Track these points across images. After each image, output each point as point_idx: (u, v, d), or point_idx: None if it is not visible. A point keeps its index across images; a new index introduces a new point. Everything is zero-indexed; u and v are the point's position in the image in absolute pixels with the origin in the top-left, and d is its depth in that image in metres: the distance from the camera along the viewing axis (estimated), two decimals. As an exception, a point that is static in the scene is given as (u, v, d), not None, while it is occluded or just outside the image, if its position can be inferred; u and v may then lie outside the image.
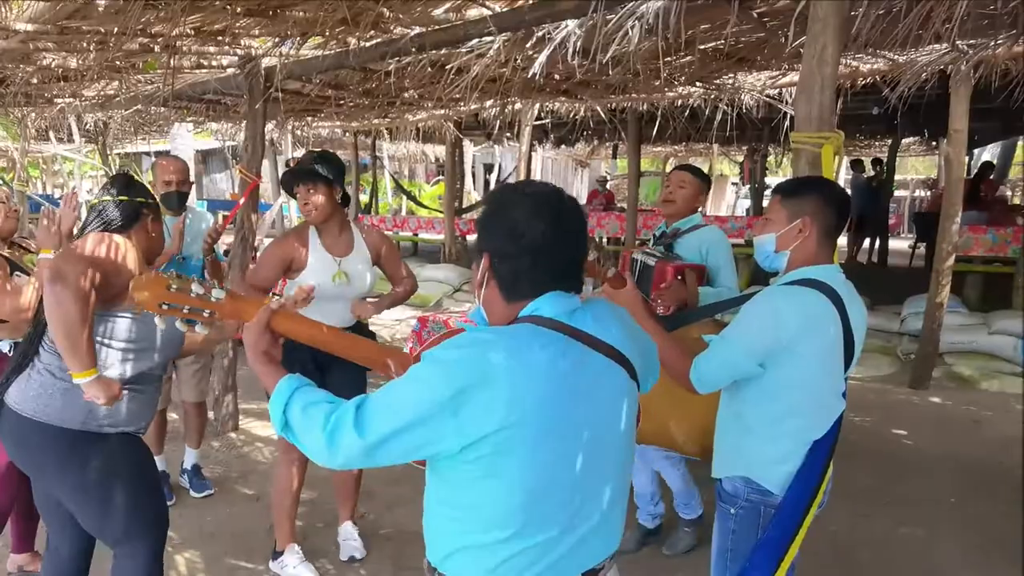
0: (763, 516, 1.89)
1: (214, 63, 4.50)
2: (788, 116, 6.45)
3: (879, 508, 3.69)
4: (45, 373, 2.10)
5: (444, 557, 1.32)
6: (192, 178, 3.76)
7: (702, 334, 2.00)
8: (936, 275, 5.67)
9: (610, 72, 4.16)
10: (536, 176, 15.08)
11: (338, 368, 3.01)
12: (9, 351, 2.70)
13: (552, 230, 1.25)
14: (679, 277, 2.83)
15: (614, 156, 16.27)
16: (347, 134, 11.43)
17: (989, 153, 13.99)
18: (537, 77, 3.94)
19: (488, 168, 20.42)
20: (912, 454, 4.56)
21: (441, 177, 20.02)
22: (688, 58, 4.47)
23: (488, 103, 6.83)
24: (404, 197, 16.05)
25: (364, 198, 14.39)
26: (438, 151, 16.48)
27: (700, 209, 3.20)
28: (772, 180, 16.56)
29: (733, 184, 21.28)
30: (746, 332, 1.87)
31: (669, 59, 4.37)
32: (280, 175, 3.70)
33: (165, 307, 1.40)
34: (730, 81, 5.62)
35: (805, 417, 1.88)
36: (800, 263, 1.92)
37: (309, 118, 7.34)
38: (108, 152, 12.92)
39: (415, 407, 1.17)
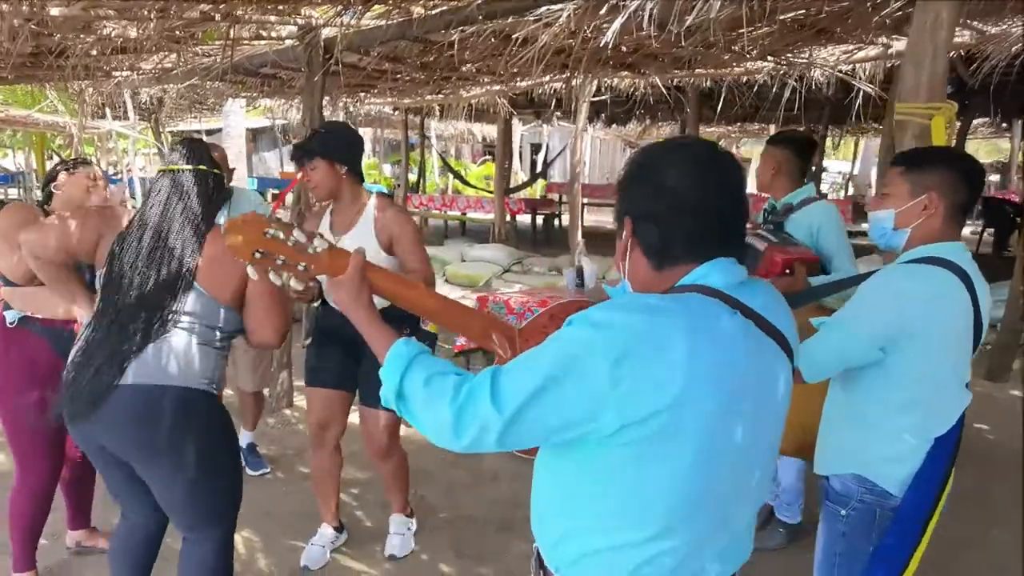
0: (879, 520, 1.72)
1: (273, 34, 4.41)
2: (860, 93, 6.16)
3: (967, 509, 3.46)
4: (173, 341, 1.99)
5: (573, 561, 1.15)
6: (234, 160, 3.67)
7: (810, 318, 1.82)
8: (1021, 262, 5.35)
9: (683, 43, 3.94)
10: (584, 157, 14.80)
11: (374, 378, 2.93)
12: (13, 322, 2.55)
13: (707, 184, 1.09)
14: (787, 271, 2.62)
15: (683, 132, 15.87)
16: (397, 112, 11.33)
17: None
18: (608, 47, 3.75)
19: (535, 148, 20.21)
20: (997, 450, 4.30)
21: (488, 157, 19.92)
22: (765, 29, 4.22)
23: (546, 79, 6.66)
24: (451, 176, 15.94)
25: (412, 177, 14.32)
26: (485, 130, 16.33)
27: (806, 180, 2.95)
28: (828, 163, 16.06)
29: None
30: (865, 314, 1.69)
31: (747, 30, 4.13)
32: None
33: (258, 255, 1.23)
34: (803, 57, 5.33)
35: (928, 410, 1.70)
36: (921, 241, 1.73)
37: (362, 94, 7.23)
38: (161, 129, 13.07)
39: (570, 377, 1.01)
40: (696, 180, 1.08)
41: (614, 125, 14.09)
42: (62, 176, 2.76)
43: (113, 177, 12.89)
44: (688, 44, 3.95)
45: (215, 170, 2.13)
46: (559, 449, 1.11)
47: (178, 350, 1.98)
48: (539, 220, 12.92)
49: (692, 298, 1.07)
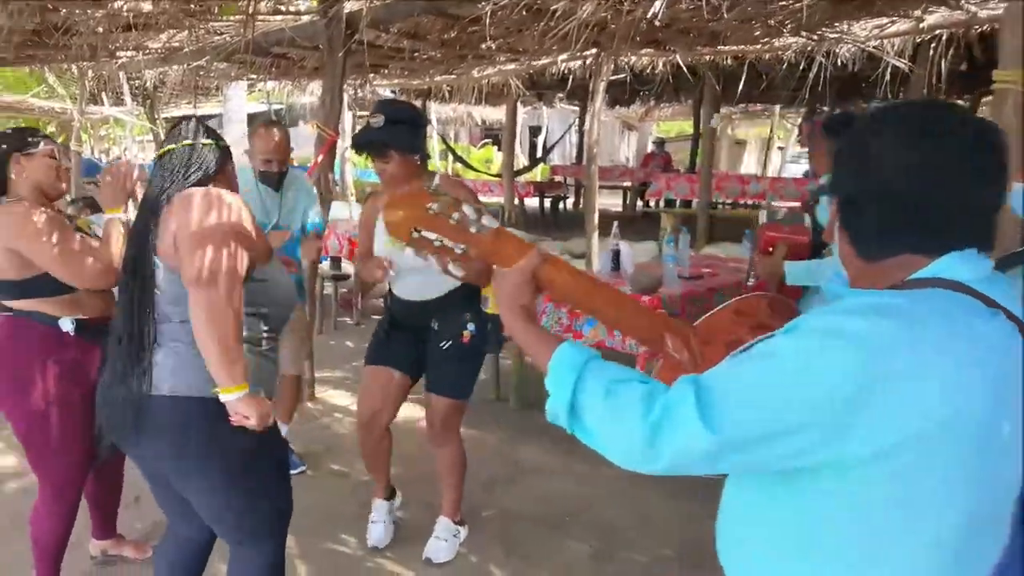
0: None
1: (291, 8, 4.17)
2: (888, 69, 5.96)
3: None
4: (173, 344, 1.78)
5: None
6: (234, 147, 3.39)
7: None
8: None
9: (725, 15, 3.74)
10: (587, 140, 14.59)
11: (437, 366, 2.74)
12: (71, 328, 2.28)
13: (948, 158, 0.88)
14: (770, 249, 2.52)
15: (696, 113, 15.62)
16: (401, 94, 11.06)
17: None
18: (646, 19, 3.55)
19: (534, 131, 19.92)
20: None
21: (487, 140, 19.65)
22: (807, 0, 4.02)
23: (563, 56, 6.43)
24: (450, 160, 15.68)
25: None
26: (484, 113, 16.04)
27: None
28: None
29: (779, 148, 20.60)
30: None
31: (786, 2, 3.94)
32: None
33: (416, 235, 1.07)
34: (835, 32, 5.13)
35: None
36: None
37: (372, 75, 6.98)
38: (157, 115, 12.74)
39: (804, 397, 0.83)
40: (930, 153, 0.88)
41: (617, 107, 13.88)
42: (19, 160, 2.28)
43: (101, 162, 12.56)
44: (731, 16, 3.74)
45: (205, 141, 1.86)
46: (786, 477, 0.91)
47: (189, 353, 1.76)
48: (546, 203, 12.72)
49: (942, 296, 0.88)
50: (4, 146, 2.28)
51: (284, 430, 3.66)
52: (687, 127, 21.48)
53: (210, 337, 1.66)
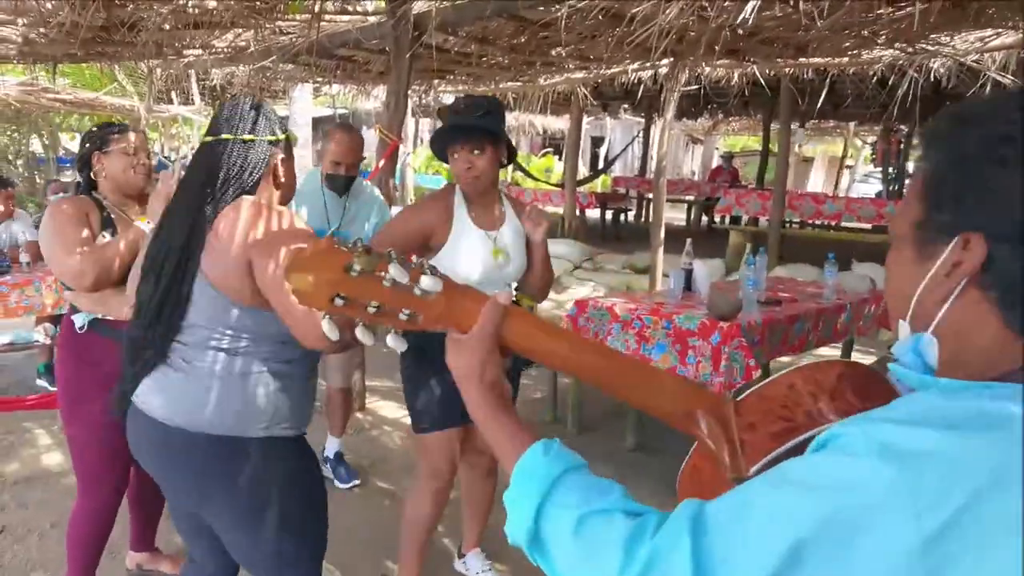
0: None
1: (359, 8, 4.08)
2: (988, 85, 5.57)
3: None
4: (184, 367, 1.59)
5: None
6: (298, 151, 3.23)
7: None
8: None
9: (818, 23, 3.47)
10: (653, 152, 14.28)
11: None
12: (83, 327, 2.22)
13: None
14: None
15: (766, 128, 15.25)
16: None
17: None
18: (730, 27, 3.32)
19: (596, 142, 19.69)
20: None
21: (549, 149, 19.49)
22: (908, 9, 3.73)
23: (634, 65, 6.23)
24: (509, 168, 15.59)
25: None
26: (546, 122, 15.91)
27: None
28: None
29: (848, 167, 19.90)
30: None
31: (887, 11, 3.66)
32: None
33: (340, 302, 0.82)
34: (933, 44, 4.80)
35: None
36: None
37: (436, 80, 6.88)
38: (223, 115, 12.95)
39: (846, 545, 0.56)
40: None
41: (684, 119, 13.57)
42: (100, 159, 2.28)
43: (164, 160, 12.83)
44: (824, 25, 3.47)
45: (246, 137, 1.63)
46: None
47: (209, 381, 1.58)
48: (607, 215, 12.47)
49: None
50: (88, 145, 2.31)
51: (336, 444, 3.53)
52: (752, 142, 20.98)
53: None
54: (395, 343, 0.88)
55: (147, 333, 1.60)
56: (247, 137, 1.63)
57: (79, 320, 2.24)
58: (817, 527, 0.57)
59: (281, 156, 1.70)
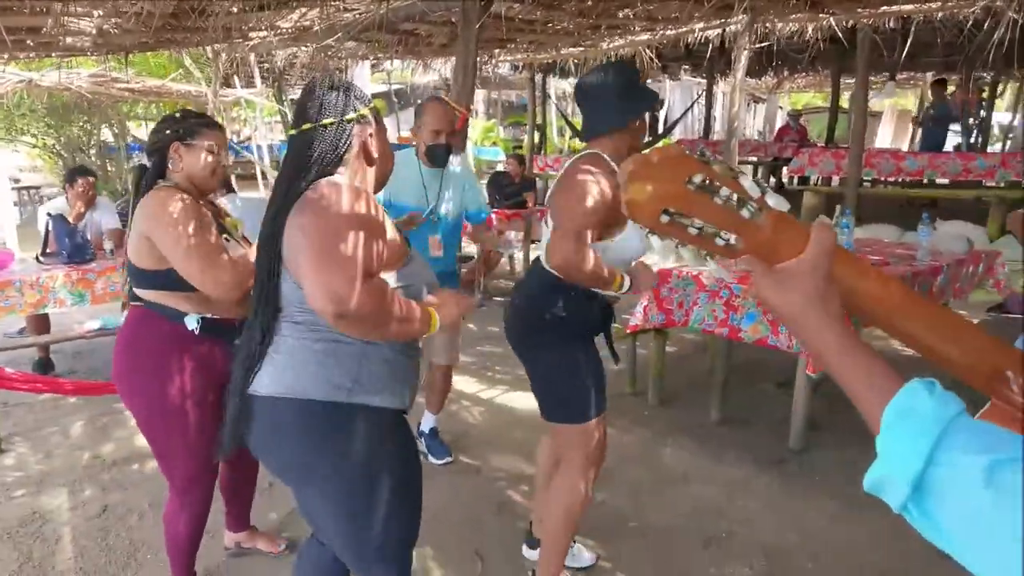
0: None
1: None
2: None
3: None
4: (290, 341, 1.59)
5: None
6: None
7: None
8: None
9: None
10: (713, 114, 13.85)
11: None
12: (196, 327, 2.13)
13: None
14: None
15: (835, 83, 14.63)
16: (521, 71, 10.83)
17: None
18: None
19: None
20: None
21: (604, 116, 19.06)
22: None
23: (700, 25, 5.98)
24: (567, 137, 15.37)
25: (526, 139, 13.85)
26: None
27: None
28: (998, 115, 14.39)
29: (918, 121, 18.94)
30: None
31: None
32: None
33: (667, 218, 0.75)
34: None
35: None
36: None
37: (496, 51, 6.75)
38: (284, 97, 13.07)
39: None
40: None
41: (747, 78, 13.09)
42: (179, 150, 2.13)
43: (242, 145, 13.03)
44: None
45: (326, 121, 1.57)
46: None
47: (292, 351, 1.58)
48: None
49: None
50: (168, 132, 2.13)
51: (432, 420, 3.53)
52: (817, 99, 20.11)
53: (375, 337, 1.57)
54: (715, 270, 0.80)
55: (257, 325, 1.60)
56: (327, 121, 1.58)
57: (191, 323, 2.13)
58: None
59: (370, 131, 1.64)
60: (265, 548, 2.72)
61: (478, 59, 7.58)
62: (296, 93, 14.09)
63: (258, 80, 10.68)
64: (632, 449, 3.58)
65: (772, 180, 12.74)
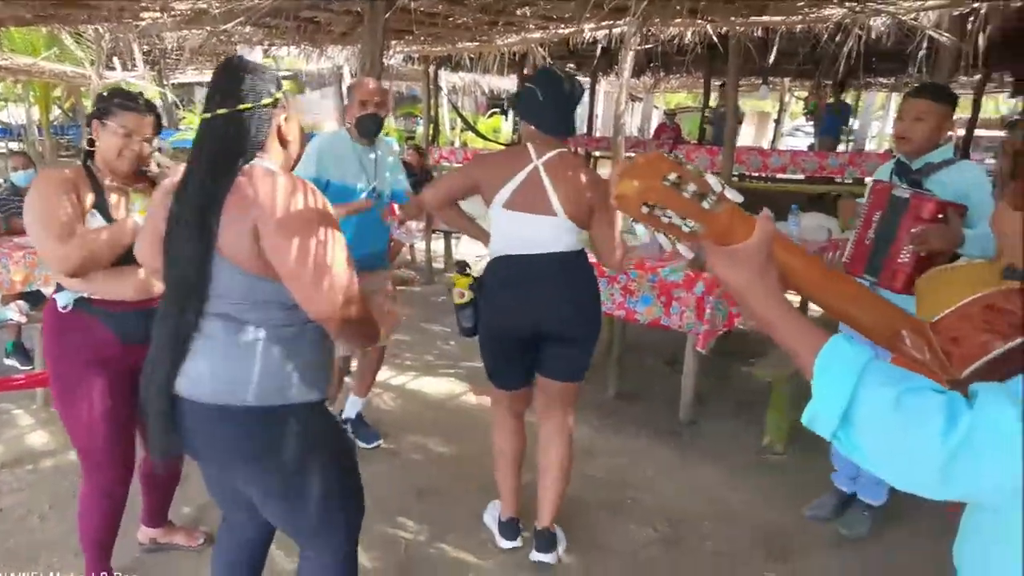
0: None
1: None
2: (926, 43, 5.67)
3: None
4: (212, 342, 1.51)
5: None
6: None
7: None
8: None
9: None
10: (596, 112, 14.20)
11: (553, 353, 2.45)
12: (68, 305, 2.05)
13: None
14: (940, 216, 2.21)
15: (706, 85, 15.19)
16: (415, 63, 10.67)
17: None
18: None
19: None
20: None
21: (496, 110, 19.14)
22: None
23: (590, 26, 6.11)
24: (459, 127, 15.30)
25: (420, 130, 13.69)
26: (492, 83, 15.60)
27: (947, 139, 2.54)
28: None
29: (774, 121, 20.26)
30: None
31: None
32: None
33: (647, 210, 0.88)
34: (879, 4, 4.84)
35: None
36: None
37: (393, 41, 6.62)
38: (165, 81, 12.29)
39: None
40: None
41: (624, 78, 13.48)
42: (96, 127, 2.04)
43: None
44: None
45: (256, 103, 1.50)
46: None
47: (231, 352, 1.50)
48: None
49: None
50: (95, 108, 2.08)
51: (359, 405, 3.46)
52: (688, 99, 21.01)
53: (356, 344, 1.53)
54: (684, 251, 0.95)
55: (182, 318, 1.50)
56: (262, 102, 1.51)
57: (62, 299, 2.05)
58: None
59: (284, 116, 1.59)
60: (184, 542, 2.58)
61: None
62: (176, 78, 13.26)
63: (140, 62, 9.97)
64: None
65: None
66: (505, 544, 2.63)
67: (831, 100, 10.21)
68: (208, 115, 1.51)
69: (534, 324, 2.38)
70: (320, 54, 7.58)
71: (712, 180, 0.88)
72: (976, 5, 5.28)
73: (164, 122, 2.52)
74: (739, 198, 0.91)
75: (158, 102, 14.14)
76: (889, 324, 0.99)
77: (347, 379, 4.25)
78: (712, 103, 12.61)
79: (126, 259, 1.97)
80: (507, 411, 2.58)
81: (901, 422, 0.75)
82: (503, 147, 13.45)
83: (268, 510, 1.67)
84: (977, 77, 8.57)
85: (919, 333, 0.97)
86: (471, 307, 2.47)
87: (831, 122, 10.03)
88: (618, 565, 2.59)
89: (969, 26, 5.46)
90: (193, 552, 2.56)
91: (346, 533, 1.75)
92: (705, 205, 0.88)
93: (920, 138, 2.45)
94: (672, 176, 0.87)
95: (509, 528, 2.64)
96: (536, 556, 2.57)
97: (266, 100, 1.52)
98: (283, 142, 1.59)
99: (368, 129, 3.01)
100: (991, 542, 0.87)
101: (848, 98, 15.04)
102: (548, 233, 2.30)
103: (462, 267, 2.53)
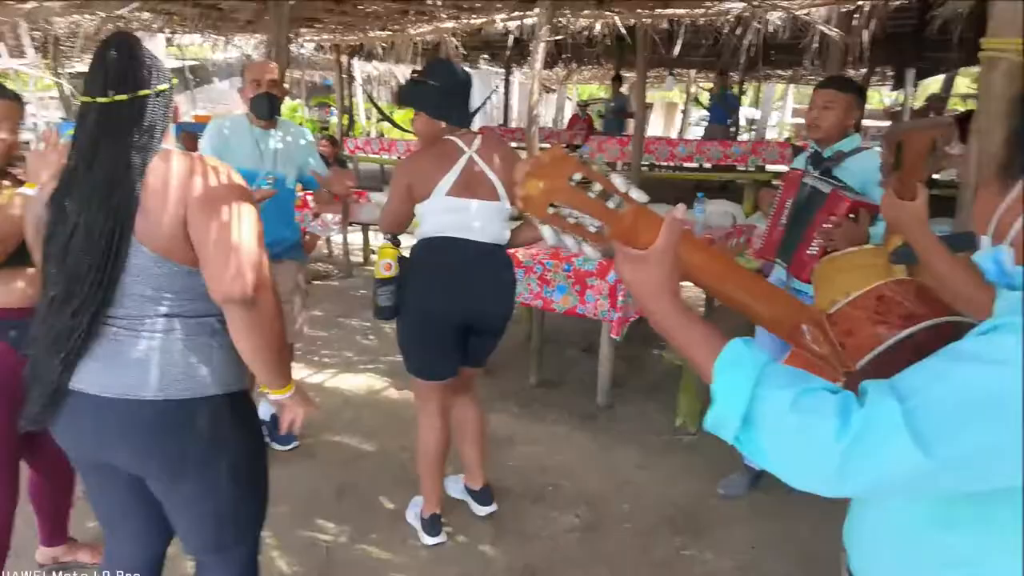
0: None
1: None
2: (815, 38, 5.93)
3: None
4: (122, 339, 1.43)
5: None
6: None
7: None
8: None
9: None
10: (510, 102, 14.20)
11: (479, 341, 2.50)
12: None
13: None
14: (852, 216, 2.31)
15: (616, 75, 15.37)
16: (327, 52, 10.35)
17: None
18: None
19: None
20: None
21: (409, 100, 18.82)
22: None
23: (501, 16, 6.09)
24: (375, 118, 14.99)
25: (334, 120, 13.33)
26: (408, 73, 15.36)
27: (853, 128, 2.64)
28: (747, 111, 16.08)
29: (682, 112, 20.84)
30: None
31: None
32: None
33: (553, 210, 0.87)
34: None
35: None
36: None
37: (303, 30, 6.40)
38: (60, 70, 11.50)
39: None
40: None
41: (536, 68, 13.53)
42: None
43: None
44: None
45: (159, 88, 1.45)
46: (981, 497, 0.78)
47: (132, 342, 1.43)
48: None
49: None
50: None
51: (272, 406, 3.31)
52: (599, 91, 21.30)
53: (256, 347, 1.44)
54: (591, 252, 0.92)
55: (74, 320, 1.39)
56: (144, 92, 1.42)
57: None
58: (1008, 391, 0.68)
59: (175, 103, 1.53)
60: (89, 560, 2.41)
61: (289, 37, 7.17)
62: (73, 67, 12.44)
63: (29, 49, 9.27)
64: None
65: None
66: (429, 541, 2.59)
67: (715, 90, 10.63)
68: (104, 99, 1.40)
69: (464, 311, 2.36)
70: (226, 42, 7.26)
71: (618, 180, 0.87)
72: (860, 3, 5.56)
73: (61, 113, 2.34)
74: (645, 198, 0.90)
75: (50, 92, 13.23)
76: (789, 317, 0.99)
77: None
78: (624, 91, 12.82)
79: (10, 262, 1.82)
80: (436, 408, 2.52)
81: (797, 424, 0.75)
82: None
83: (171, 507, 1.58)
84: (863, 71, 9.02)
85: (817, 325, 0.98)
86: (392, 284, 2.38)
87: (717, 112, 10.45)
88: (541, 552, 2.59)
89: (854, 22, 5.75)
90: (97, 568, 2.40)
91: (252, 537, 1.69)
92: (610, 205, 0.87)
93: (828, 125, 2.57)
94: (577, 176, 0.86)
95: (432, 524, 2.60)
96: (483, 509, 2.75)
97: (162, 86, 1.46)
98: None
99: (262, 110, 2.89)
100: (883, 532, 0.90)
101: (749, 90, 15.64)
102: (489, 220, 2.32)
103: (393, 239, 2.41)
